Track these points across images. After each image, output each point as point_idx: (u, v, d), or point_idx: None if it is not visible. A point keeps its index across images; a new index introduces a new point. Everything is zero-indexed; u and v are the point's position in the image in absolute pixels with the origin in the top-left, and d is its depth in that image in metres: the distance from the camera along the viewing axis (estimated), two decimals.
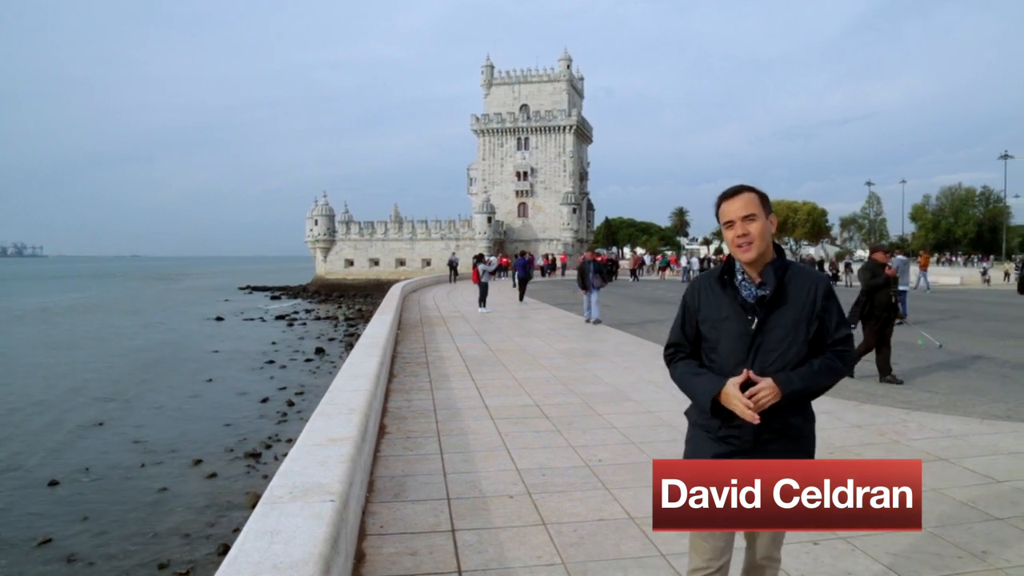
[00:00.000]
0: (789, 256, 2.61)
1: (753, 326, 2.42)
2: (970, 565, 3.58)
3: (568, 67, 76.74)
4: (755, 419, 2.30)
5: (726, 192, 2.52)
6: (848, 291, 31.19)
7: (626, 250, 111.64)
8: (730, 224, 2.46)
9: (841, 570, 3.53)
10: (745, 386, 2.35)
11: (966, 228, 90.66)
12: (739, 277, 2.50)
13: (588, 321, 16.56)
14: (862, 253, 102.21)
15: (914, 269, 33.07)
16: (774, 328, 2.42)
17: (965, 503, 4.46)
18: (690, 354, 2.58)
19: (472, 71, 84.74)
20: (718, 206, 2.52)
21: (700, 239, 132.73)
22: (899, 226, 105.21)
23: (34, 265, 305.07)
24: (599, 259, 18.65)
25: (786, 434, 2.41)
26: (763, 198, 2.47)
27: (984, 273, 44.62)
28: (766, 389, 2.32)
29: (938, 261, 76.27)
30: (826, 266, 43.00)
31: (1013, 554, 3.70)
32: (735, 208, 2.45)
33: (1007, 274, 46.27)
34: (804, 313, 2.42)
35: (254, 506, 2.95)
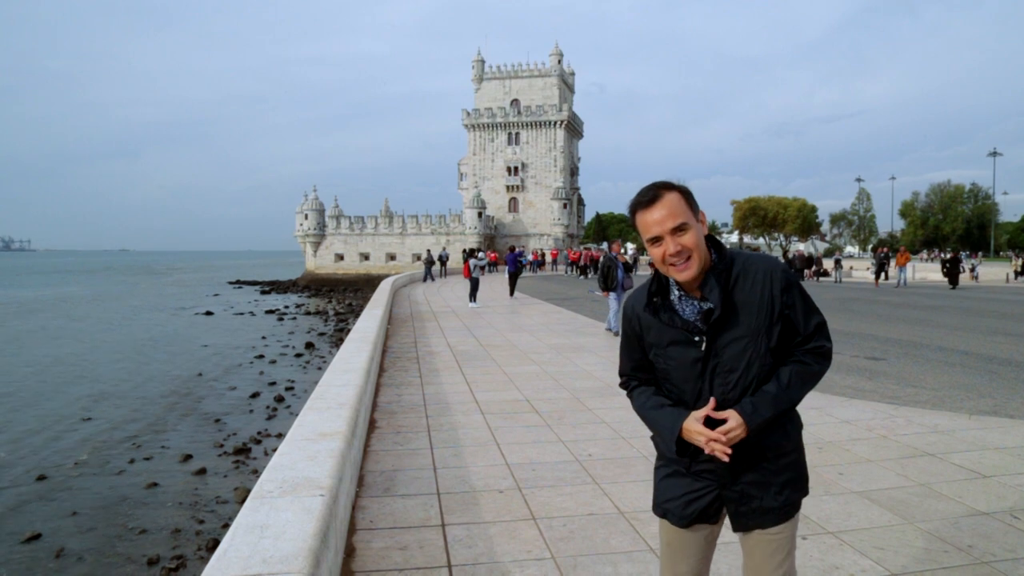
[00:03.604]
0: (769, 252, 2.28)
1: (703, 348, 2.05)
2: (957, 559, 3.61)
3: (559, 62, 76.69)
4: (726, 455, 1.97)
5: (641, 198, 2.02)
6: (839, 288, 31.36)
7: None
8: (656, 241, 2.00)
9: (829, 564, 3.55)
10: (710, 421, 2.03)
11: (955, 225, 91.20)
12: (676, 293, 2.10)
13: (615, 332, 13.29)
14: (852, 249, 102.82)
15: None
16: (727, 345, 2.03)
17: (952, 498, 4.50)
18: (646, 381, 2.22)
19: (462, 66, 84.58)
20: (633, 214, 2.04)
21: None
22: (888, 223, 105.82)
23: (23, 259, 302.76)
24: (612, 254, 14.32)
25: (765, 457, 2.07)
26: (688, 196, 2.03)
27: (972, 270, 40.80)
28: (737, 429, 1.97)
29: (928, 257, 76.76)
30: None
31: (999, 548, 3.73)
32: (658, 219, 1.98)
33: (1017, 272, 40.34)
34: (763, 318, 2.03)
35: (244, 501, 2.94)
